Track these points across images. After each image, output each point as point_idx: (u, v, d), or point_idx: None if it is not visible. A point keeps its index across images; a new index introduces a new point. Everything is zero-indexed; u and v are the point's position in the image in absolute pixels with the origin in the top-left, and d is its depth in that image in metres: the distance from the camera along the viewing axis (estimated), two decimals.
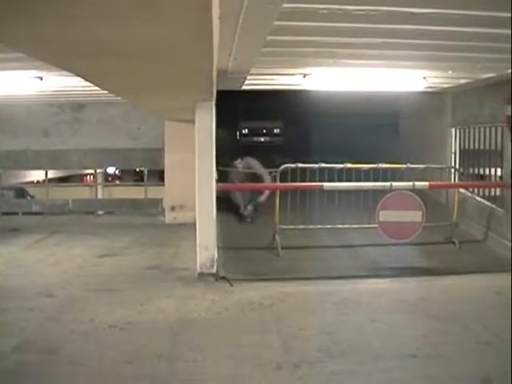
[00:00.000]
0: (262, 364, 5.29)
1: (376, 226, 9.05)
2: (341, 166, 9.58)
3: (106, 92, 8.90)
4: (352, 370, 5.21)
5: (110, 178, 31.57)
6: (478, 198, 10.72)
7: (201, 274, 8.23)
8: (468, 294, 7.31)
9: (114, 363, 5.38)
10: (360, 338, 5.98)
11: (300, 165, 9.64)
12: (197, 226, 8.53)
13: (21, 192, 19.31)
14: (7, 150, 13.84)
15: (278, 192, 9.53)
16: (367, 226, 9.39)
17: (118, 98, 9.94)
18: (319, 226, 9.67)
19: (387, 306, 7.03)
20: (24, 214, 14.46)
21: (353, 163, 9.77)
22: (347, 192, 9.64)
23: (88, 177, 25.96)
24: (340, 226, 9.70)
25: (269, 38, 6.41)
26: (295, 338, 5.97)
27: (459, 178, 11.19)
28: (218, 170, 9.14)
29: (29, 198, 18.68)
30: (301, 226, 9.67)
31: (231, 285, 7.87)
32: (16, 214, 14.37)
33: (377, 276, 8.33)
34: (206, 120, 8.43)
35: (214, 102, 8.54)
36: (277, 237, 9.40)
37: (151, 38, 3.86)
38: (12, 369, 5.28)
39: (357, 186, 9.41)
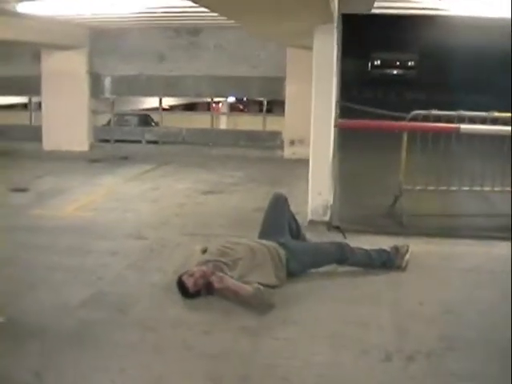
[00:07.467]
0: (366, 351, 4.22)
1: None
2: (484, 114, 7.67)
3: None
4: (478, 372, 3.97)
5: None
6: None
7: (312, 222, 7.37)
8: None
9: (189, 334, 4.50)
10: (494, 323, 4.70)
11: (434, 112, 7.64)
12: (310, 168, 7.56)
13: (145, 119, 18.92)
14: (121, 75, 13.32)
15: (406, 137, 7.60)
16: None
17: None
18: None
19: None
20: (134, 142, 14.01)
21: (498, 111, 7.71)
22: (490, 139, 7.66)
23: (213, 105, 25.38)
24: (478, 189, 8.04)
25: None
26: (412, 316, 4.87)
27: None
28: (341, 104, 7.70)
29: (153, 125, 18.25)
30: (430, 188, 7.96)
31: (345, 237, 6.81)
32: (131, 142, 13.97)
33: None
34: (326, 45, 7.31)
35: (335, 25, 7.33)
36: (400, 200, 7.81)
37: None
38: (73, 330, 4.50)
39: (501, 130, 7.67)
